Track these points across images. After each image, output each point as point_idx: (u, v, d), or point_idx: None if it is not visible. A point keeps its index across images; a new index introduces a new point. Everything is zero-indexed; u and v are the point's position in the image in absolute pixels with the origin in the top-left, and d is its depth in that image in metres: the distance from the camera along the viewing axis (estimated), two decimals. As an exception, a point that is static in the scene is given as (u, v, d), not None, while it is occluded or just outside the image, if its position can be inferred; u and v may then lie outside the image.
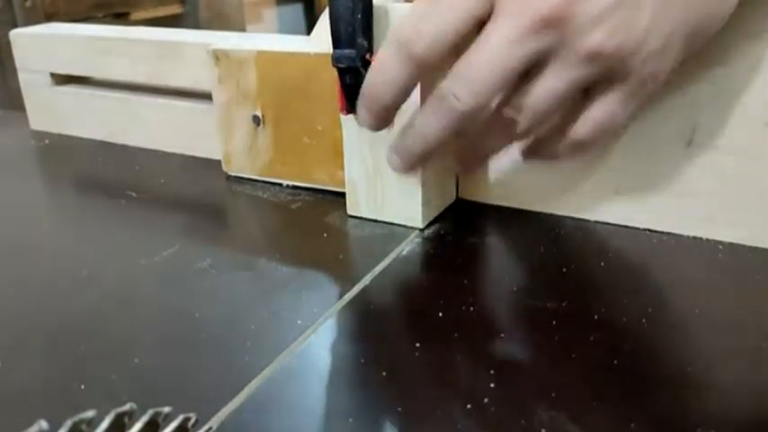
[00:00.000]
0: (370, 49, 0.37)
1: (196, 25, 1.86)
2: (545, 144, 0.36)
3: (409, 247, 0.38)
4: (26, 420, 0.27)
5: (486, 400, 0.26)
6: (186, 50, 0.52)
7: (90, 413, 0.21)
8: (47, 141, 0.60)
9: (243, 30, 1.80)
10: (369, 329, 0.31)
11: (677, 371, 0.28)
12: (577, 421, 0.25)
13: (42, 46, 0.59)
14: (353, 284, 0.35)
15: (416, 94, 0.36)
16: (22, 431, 0.22)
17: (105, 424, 0.21)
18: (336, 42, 0.36)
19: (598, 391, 0.27)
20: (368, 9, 0.36)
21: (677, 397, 0.26)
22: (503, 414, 0.26)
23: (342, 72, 0.37)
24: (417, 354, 0.29)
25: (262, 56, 0.45)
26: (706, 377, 0.27)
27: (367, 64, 0.37)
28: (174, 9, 1.86)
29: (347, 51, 0.36)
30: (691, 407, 0.26)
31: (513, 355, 0.29)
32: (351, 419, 0.26)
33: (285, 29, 2.77)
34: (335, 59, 0.36)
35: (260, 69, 0.45)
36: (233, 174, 0.49)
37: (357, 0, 0.35)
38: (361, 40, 0.36)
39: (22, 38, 0.59)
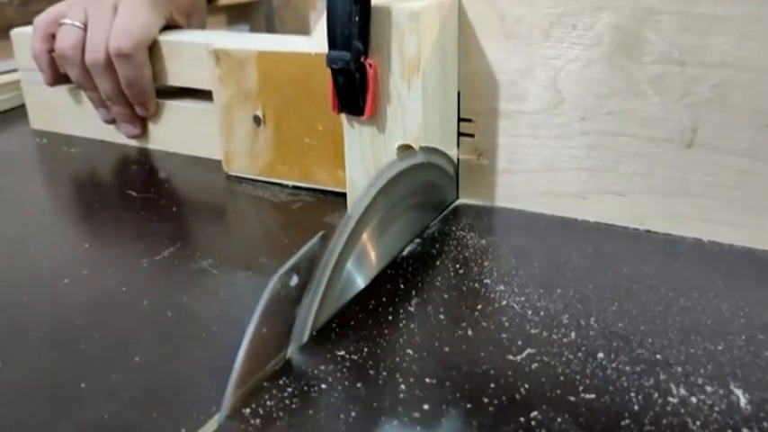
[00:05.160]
0: (366, 52, 0.37)
1: (270, 11, 1.92)
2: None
3: (409, 247, 0.38)
4: (27, 419, 0.27)
5: (485, 399, 0.26)
6: (186, 50, 0.52)
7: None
8: (46, 141, 0.60)
9: (307, 17, 1.88)
10: (368, 329, 0.31)
11: (677, 370, 0.28)
12: (578, 421, 0.25)
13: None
14: (354, 284, 0.35)
15: None
16: (22, 429, 0.21)
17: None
18: (332, 43, 0.36)
19: (598, 391, 0.27)
20: (365, 13, 0.36)
21: (677, 396, 0.26)
22: (503, 414, 0.26)
23: (335, 73, 0.37)
24: (418, 354, 0.29)
25: (262, 56, 0.45)
26: (706, 377, 0.27)
27: (361, 67, 0.37)
28: (253, -5, 1.92)
29: (342, 53, 0.36)
30: (690, 406, 0.26)
31: (514, 355, 0.29)
32: (351, 419, 0.26)
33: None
34: (330, 60, 0.37)
35: (261, 69, 0.45)
36: (233, 174, 0.49)
37: (355, 3, 0.35)
38: (356, 43, 0.36)
39: (23, 37, 0.59)
